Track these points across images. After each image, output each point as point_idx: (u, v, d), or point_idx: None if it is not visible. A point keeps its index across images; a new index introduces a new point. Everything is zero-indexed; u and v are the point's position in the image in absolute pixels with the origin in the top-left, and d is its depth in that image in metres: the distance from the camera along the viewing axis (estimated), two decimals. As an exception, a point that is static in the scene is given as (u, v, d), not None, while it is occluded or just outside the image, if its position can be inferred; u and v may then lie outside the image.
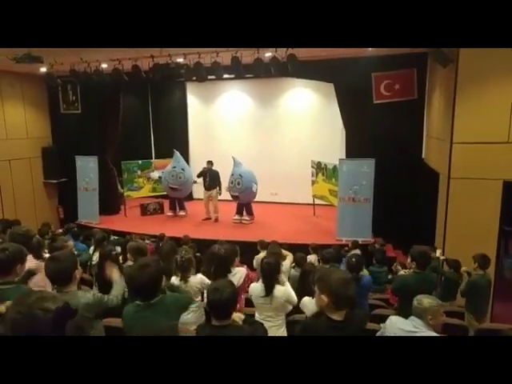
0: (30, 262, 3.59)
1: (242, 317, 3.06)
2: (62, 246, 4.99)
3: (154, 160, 12.90)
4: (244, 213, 10.90)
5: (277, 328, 4.04)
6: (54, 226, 10.33)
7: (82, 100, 12.30)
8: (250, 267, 6.09)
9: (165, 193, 12.03)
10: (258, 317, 4.13)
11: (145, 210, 11.90)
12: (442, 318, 3.07)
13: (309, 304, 3.89)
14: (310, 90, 12.32)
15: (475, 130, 6.53)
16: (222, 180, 10.99)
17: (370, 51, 8.31)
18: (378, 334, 3.31)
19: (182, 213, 11.68)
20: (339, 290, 2.42)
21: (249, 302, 4.68)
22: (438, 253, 6.36)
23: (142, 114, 13.74)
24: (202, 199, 11.40)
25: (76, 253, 5.70)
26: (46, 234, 7.18)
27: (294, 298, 4.15)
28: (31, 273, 3.46)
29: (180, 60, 8.37)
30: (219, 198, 11.01)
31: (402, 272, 5.20)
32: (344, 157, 10.11)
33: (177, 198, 11.73)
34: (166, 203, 12.00)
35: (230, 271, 4.49)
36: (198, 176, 11.09)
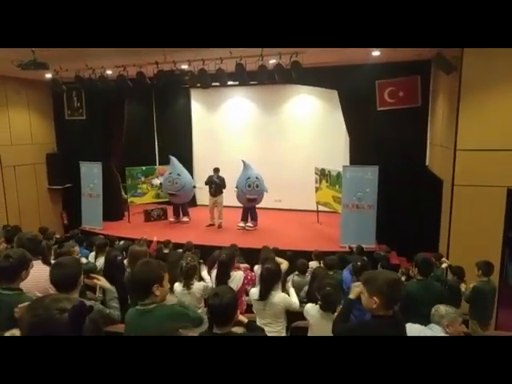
0: (39, 267, 3.57)
1: (245, 320, 3.07)
2: (68, 252, 5.03)
3: (157, 166, 12.91)
4: (249, 218, 10.91)
5: (276, 334, 4.03)
6: (58, 231, 10.37)
7: (86, 106, 12.35)
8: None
9: (168, 199, 12.07)
10: (258, 322, 4.13)
11: (148, 216, 11.91)
12: (460, 327, 3.08)
13: (311, 311, 3.89)
14: (313, 97, 12.34)
15: (479, 137, 6.53)
16: (227, 185, 11.00)
17: (374, 58, 8.32)
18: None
19: (185, 219, 11.68)
20: (389, 292, 2.45)
21: (250, 308, 4.70)
22: (444, 264, 6.33)
23: (146, 121, 13.76)
24: (206, 205, 11.41)
25: (85, 261, 5.77)
26: (51, 239, 7.22)
27: (295, 305, 4.14)
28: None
29: (184, 67, 8.40)
30: (224, 204, 11.04)
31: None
32: (348, 163, 10.11)
33: (180, 204, 11.74)
34: (170, 209, 12.01)
35: (229, 276, 4.53)
36: (206, 184, 11.11)
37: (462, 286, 5.65)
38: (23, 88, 11.35)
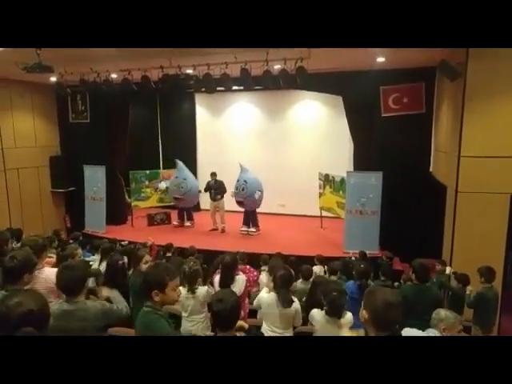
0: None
1: (246, 326, 3.06)
2: (71, 254, 5.05)
3: (161, 170, 12.94)
4: (250, 224, 10.90)
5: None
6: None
7: (90, 109, 12.38)
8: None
9: (172, 203, 12.10)
10: (265, 327, 4.12)
11: (152, 220, 11.91)
12: (457, 334, 3.06)
13: (317, 316, 3.89)
14: (318, 103, 12.36)
15: (483, 143, 6.51)
16: (227, 189, 10.99)
17: (379, 64, 8.32)
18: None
19: (188, 223, 11.69)
20: (379, 311, 2.20)
21: (252, 312, 4.70)
22: (448, 270, 6.30)
23: (150, 124, 13.78)
24: (209, 210, 11.40)
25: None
26: (53, 242, 7.22)
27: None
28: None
29: (189, 71, 8.40)
30: (225, 208, 11.03)
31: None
32: (352, 169, 10.12)
33: (185, 209, 11.75)
34: (173, 214, 12.03)
35: (234, 280, 4.52)
36: (205, 190, 11.14)
37: (468, 291, 5.62)
38: (27, 91, 11.39)
